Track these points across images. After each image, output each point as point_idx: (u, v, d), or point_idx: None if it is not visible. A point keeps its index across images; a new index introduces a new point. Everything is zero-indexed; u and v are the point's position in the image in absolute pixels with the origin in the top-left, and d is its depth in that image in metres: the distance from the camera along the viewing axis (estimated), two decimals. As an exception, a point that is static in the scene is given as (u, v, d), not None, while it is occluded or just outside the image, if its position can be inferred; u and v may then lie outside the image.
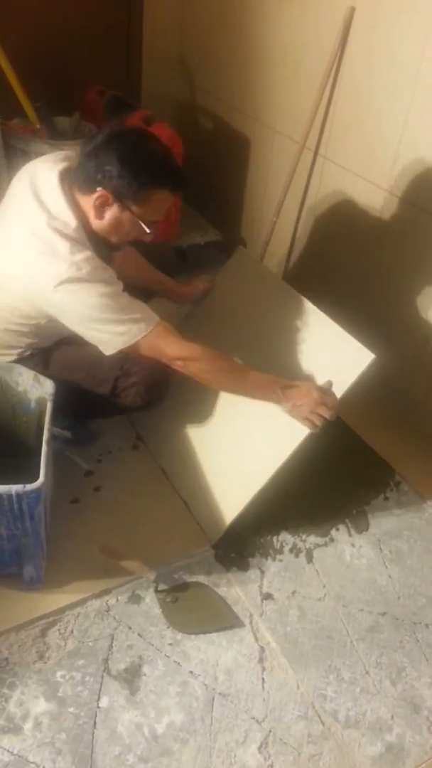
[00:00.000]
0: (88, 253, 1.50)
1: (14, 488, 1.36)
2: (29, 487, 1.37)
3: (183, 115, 3.16)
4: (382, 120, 2.08)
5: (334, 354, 1.75)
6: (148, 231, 1.59)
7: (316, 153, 2.40)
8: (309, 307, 1.88)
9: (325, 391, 1.67)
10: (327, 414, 1.63)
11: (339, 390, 1.69)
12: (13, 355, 1.74)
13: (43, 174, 1.57)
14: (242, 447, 1.83)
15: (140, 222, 1.57)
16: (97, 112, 2.75)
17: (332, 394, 1.67)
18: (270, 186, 2.69)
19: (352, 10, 2.08)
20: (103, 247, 1.60)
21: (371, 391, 2.37)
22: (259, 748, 1.37)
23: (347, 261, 2.38)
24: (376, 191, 2.16)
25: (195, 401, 2.05)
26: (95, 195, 1.51)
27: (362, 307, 2.38)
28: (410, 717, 1.47)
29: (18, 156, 2.54)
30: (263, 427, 1.78)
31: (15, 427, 1.77)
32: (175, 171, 1.58)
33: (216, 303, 2.09)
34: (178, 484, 1.89)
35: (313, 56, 2.27)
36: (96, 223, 1.56)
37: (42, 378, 1.67)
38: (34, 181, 1.56)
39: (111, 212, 1.55)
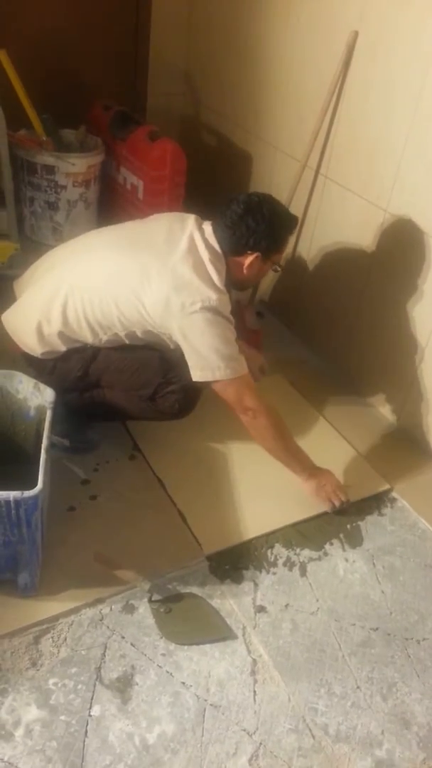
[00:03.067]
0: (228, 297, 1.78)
1: (12, 494, 1.37)
2: (27, 494, 1.38)
3: (187, 131, 3.20)
4: (381, 143, 2.12)
5: (351, 476, 2.08)
6: (279, 269, 1.96)
7: (317, 172, 2.43)
8: (335, 434, 2.24)
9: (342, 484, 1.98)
10: (344, 498, 1.92)
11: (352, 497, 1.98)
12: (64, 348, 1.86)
13: (201, 223, 1.82)
14: (269, 481, 1.97)
15: (275, 264, 1.91)
16: (102, 127, 2.79)
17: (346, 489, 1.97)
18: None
19: (356, 34, 2.12)
20: (231, 292, 1.86)
21: (366, 406, 2.41)
22: (250, 761, 1.37)
23: (344, 278, 2.41)
24: (375, 211, 2.20)
25: (196, 416, 2.07)
26: (249, 257, 1.82)
27: (356, 323, 2.41)
28: (400, 732, 1.47)
29: (23, 167, 2.58)
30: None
31: (14, 434, 1.78)
32: (295, 217, 1.91)
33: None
34: (176, 495, 1.90)
35: (315, 77, 2.32)
36: (243, 276, 1.86)
37: (42, 386, 1.69)
38: (195, 224, 1.80)
39: (258, 265, 1.85)
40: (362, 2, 2.07)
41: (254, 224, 1.77)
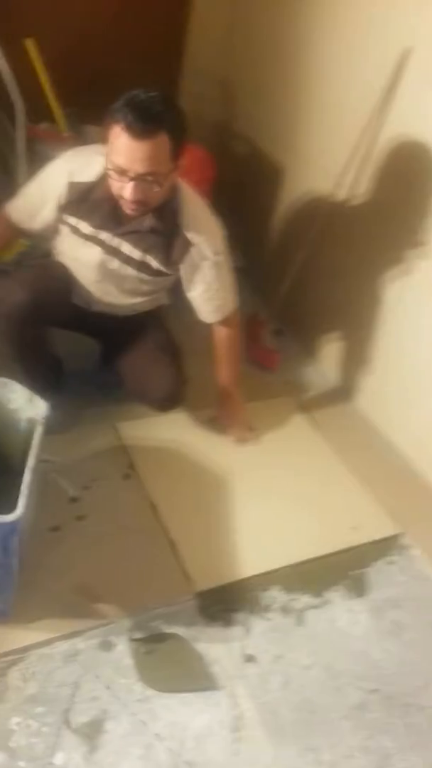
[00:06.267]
0: (82, 163, 1.71)
1: (-12, 517, 1.25)
2: (4, 518, 1.25)
3: (218, 137, 3.08)
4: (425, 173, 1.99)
5: (359, 516, 1.94)
6: (112, 175, 1.54)
7: (351, 193, 2.30)
8: (343, 468, 2.08)
9: None
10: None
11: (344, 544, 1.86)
12: None
13: None
14: (271, 514, 1.87)
15: (107, 159, 1.53)
16: (130, 126, 2.68)
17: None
18: (300, 219, 2.59)
19: (408, 51, 1.98)
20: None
21: (376, 438, 2.26)
22: None
23: (369, 304, 2.28)
24: (412, 248, 2.07)
25: (198, 438, 1.98)
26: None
27: (373, 333, 2.27)
28: None
29: (43, 161, 2.47)
30: (310, 512, 1.91)
31: (2, 445, 1.66)
32: (135, 107, 1.44)
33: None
34: (169, 522, 1.77)
35: (359, 94, 2.17)
36: None
37: (36, 399, 1.56)
38: None
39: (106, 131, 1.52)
40: (416, 15, 1.93)
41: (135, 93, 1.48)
